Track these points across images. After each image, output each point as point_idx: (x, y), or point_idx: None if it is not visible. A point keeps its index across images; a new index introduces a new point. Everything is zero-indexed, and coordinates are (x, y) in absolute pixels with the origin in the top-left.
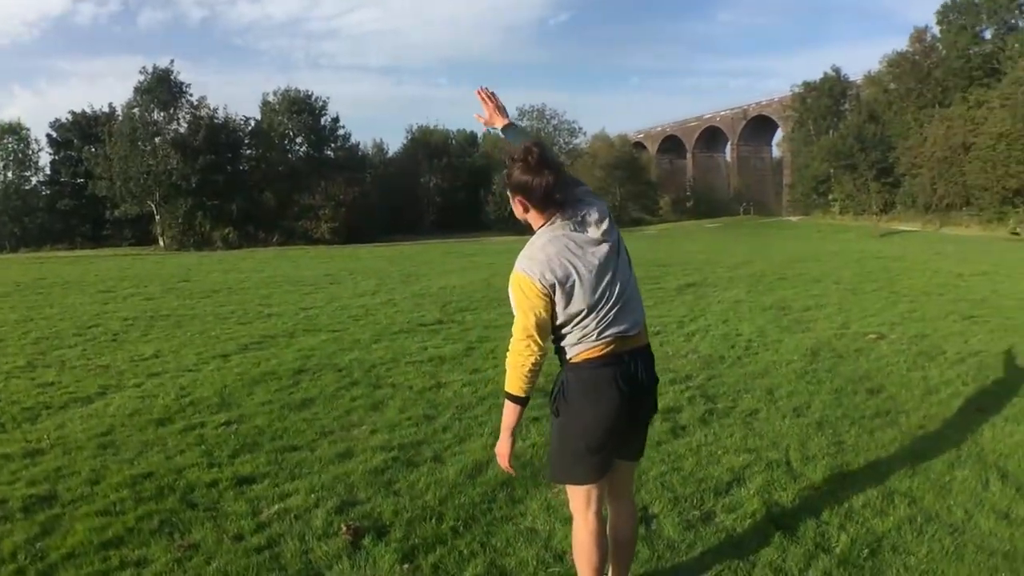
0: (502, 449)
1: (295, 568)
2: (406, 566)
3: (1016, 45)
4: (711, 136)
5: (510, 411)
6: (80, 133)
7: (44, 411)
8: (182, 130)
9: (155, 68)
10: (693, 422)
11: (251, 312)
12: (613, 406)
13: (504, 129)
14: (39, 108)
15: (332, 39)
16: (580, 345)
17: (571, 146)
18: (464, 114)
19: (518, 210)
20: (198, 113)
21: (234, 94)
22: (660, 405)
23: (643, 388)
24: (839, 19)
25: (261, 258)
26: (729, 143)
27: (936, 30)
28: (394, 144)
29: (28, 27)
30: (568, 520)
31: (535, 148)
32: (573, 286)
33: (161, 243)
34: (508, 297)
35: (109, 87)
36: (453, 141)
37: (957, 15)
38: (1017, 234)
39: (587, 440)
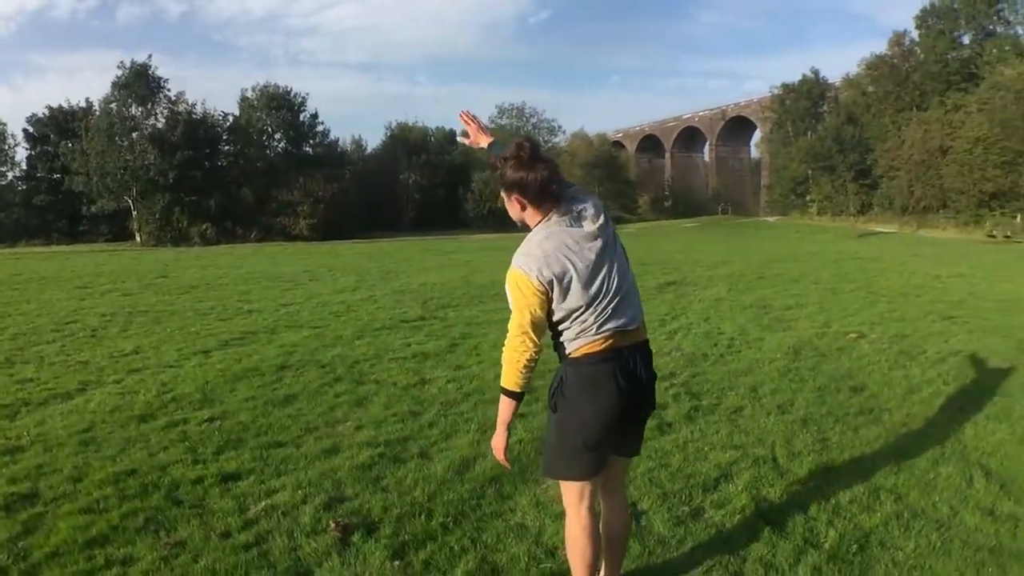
0: (498, 443)
1: (284, 565)
2: (396, 563)
3: (994, 50)
4: (690, 136)
5: (506, 406)
6: (57, 128)
7: (23, 407)
8: (160, 125)
9: (133, 63)
10: (679, 419)
11: (231, 308)
12: (612, 402)
13: (489, 147)
14: (15, 103)
15: (312, 35)
16: (579, 340)
17: (550, 144)
18: (443, 111)
19: (515, 210)
20: (176, 108)
21: (213, 90)
22: None
23: (642, 385)
24: (819, 22)
25: (239, 254)
26: (708, 143)
27: (915, 34)
28: (373, 141)
29: (5, 21)
30: (558, 516)
31: (526, 143)
32: (571, 281)
33: (138, 239)
34: (489, 295)
35: (87, 82)
36: (432, 138)
37: (936, 20)
38: (993, 237)
39: (585, 437)
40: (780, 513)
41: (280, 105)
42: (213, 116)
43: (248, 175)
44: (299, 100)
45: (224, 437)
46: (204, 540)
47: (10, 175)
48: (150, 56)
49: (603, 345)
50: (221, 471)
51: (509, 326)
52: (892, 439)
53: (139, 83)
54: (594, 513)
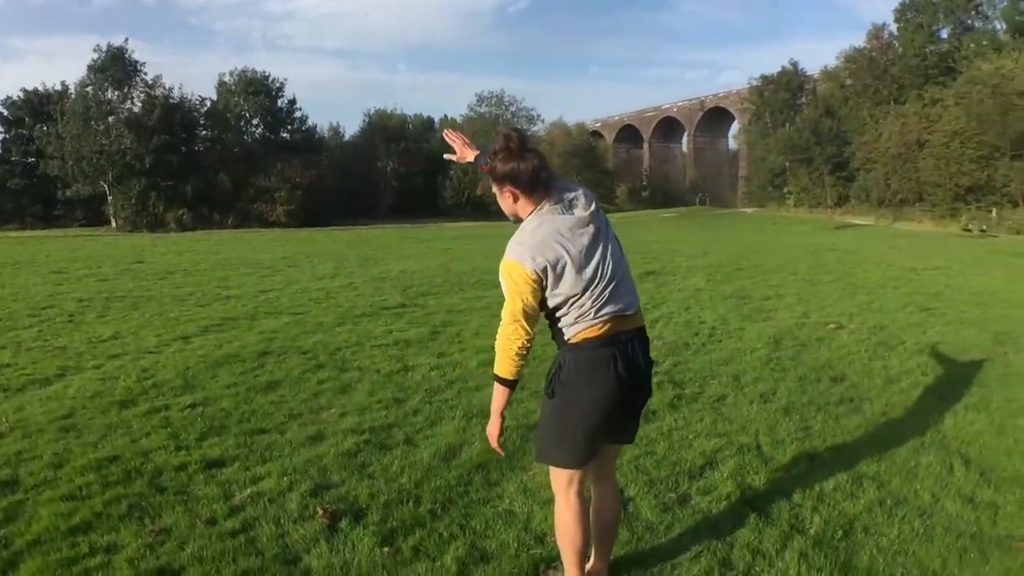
0: (492, 430)
1: (272, 552)
2: (386, 549)
3: (972, 45)
4: (668, 127)
5: (499, 393)
6: (32, 111)
7: (1, 393)
8: (136, 109)
9: (109, 46)
10: (663, 407)
11: (209, 294)
12: (611, 387)
13: (476, 159)
14: None
15: (289, 20)
16: (578, 325)
17: (529, 133)
18: (422, 99)
19: (507, 202)
20: (153, 92)
21: (190, 75)
22: None
23: (640, 371)
24: (798, 14)
25: (216, 240)
26: (686, 134)
27: (893, 28)
28: (351, 128)
29: None
30: (546, 503)
31: (513, 134)
32: (565, 267)
33: (113, 224)
34: (469, 283)
35: (63, 65)
36: (410, 126)
37: (914, 14)
38: (969, 231)
39: (584, 424)
40: (765, 500)
41: (258, 90)
42: (190, 100)
43: (225, 160)
44: (277, 86)
45: (207, 423)
46: (189, 527)
47: None
48: (126, 40)
49: (602, 330)
50: (205, 458)
51: (502, 314)
52: (873, 428)
53: (115, 67)
54: (583, 499)
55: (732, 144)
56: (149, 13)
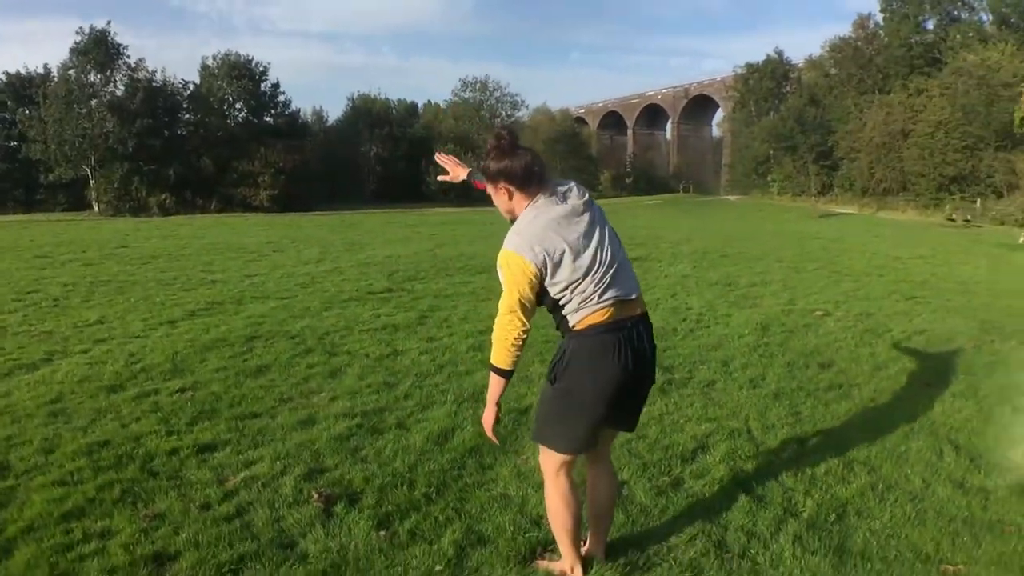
0: (488, 419)
1: (268, 536)
2: (382, 533)
3: (958, 36)
4: (652, 114)
5: (495, 383)
6: (13, 95)
7: None
8: (119, 93)
9: (92, 29)
10: (653, 391)
11: (194, 279)
12: (616, 374)
13: (469, 176)
14: None
15: (273, 3)
16: (582, 310)
17: (513, 118)
18: (406, 84)
19: (502, 199)
20: (136, 76)
21: (173, 59)
22: None
23: (646, 360)
24: (783, 3)
25: (200, 225)
26: (670, 121)
27: (879, 17)
28: (334, 112)
29: None
30: (540, 486)
31: (504, 132)
32: (563, 255)
33: (96, 208)
34: (455, 268)
35: (44, 49)
36: (394, 111)
37: (900, 4)
38: (953, 220)
39: (586, 412)
40: (758, 484)
41: (241, 74)
42: (173, 84)
43: (208, 144)
44: (260, 69)
45: (197, 408)
46: (183, 512)
47: None
48: (109, 22)
49: (606, 315)
50: (196, 442)
51: (499, 306)
52: (862, 414)
53: (98, 50)
54: (573, 481)
55: (716, 132)
56: None
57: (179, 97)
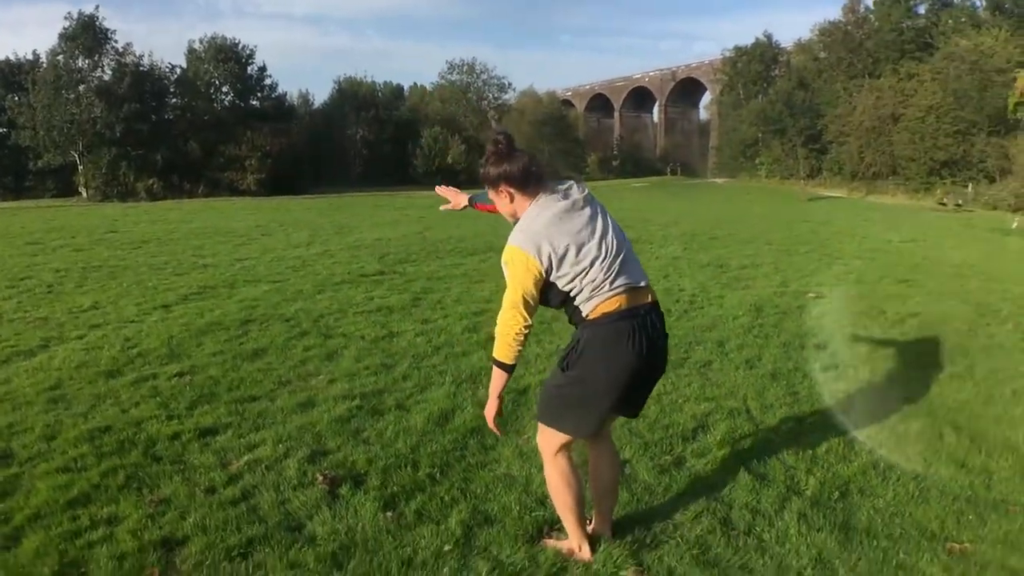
0: (490, 412)
1: (275, 519)
2: (388, 514)
3: (950, 21)
4: (639, 96)
5: (498, 377)
6: (3, 81)
7: None
8: (106, 78)
9: (80, 14)
10: None
11: (185, 263)
12: (630, 362)
13: (471, 201)
14: None
15: None
16: (594, 299)
17: (500, 101)
18: (392, 67)
19: (504, 203)
20: (123, 60)
21: (161, 43)
22: None
23: (659, 347)
24: None
25: (188, 209)
26: (657, 104)
27: (870, 1)
28: (321, 95)
29: None
30: (543, 467)
31: (500, 137)
32: (567, 248)
33: (84, 194)
34: (446, 250)
35: (34, 35)
36: (380, 94)
37: None
38: (944, 205)
39: (601, 400)
40: (759, 462)
41: (228, 57)
42: (160, 68)
43: (195, 128)
44: (247, 53)
45: (196, 392)
46: (189, 496)
47: None
48: (97, 7)
49: (619, 303)
50: (197, 426)
51: (503, 301)
52: (860, 394)
53: (86, 35)
54: (572, 459)
55: (703, 115)
56: None
57: (166, 81)
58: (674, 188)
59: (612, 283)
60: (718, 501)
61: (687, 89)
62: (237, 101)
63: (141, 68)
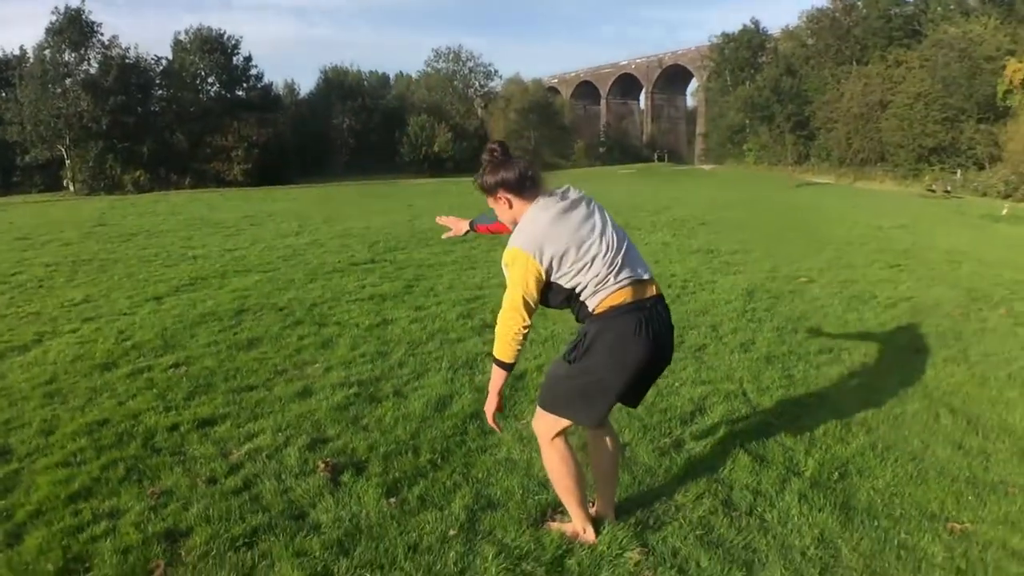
0: (490, 407)
1: (278, 508)
2: (392, 500)
3: (939, 8)
4: (626, 83)
5: (497, 375)
6: None
7: None
8: (93, 71)
9: (67, 8)
10: None
11: (175, 255)
12: (641, 351)
13: (471, 226)
14: None
15: None
16: (600, 293)
17: (486, 89)
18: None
19: (503, 210)
20: (109, 53)
21: (145, 36)
22: None
23: (667, 339)
24: None
25: (175, 201)
26: (644, 91)
27: None
28: (307, 85)
29: None
30: None
31: (494, 146)
32: (567, 247)
33: (71, 188)
34: (435, 238)
35: (21, 31)
36: (366, 82)
37: None
38: (933, 191)
39: (610, 391)
40: (758, 444)
41: (213, 48)
42: (146, 60)
43: (181, 120)
44: (233, 43)
45: (193, 383)
46: (190, 487)
47: None
48: (83, 1)
49: (625, 296)
50: (196, 417)
51: (503, 301)
52: (855, 377)
53: (72, 28)
54: (569, 442)
55: (690, 102)
56: None
57: (152, 73)
58: (662, 175)
59: (616, 276)
60: (719, 482)
61: (674, 76)
62: (223, 92)
63: (127, 61)
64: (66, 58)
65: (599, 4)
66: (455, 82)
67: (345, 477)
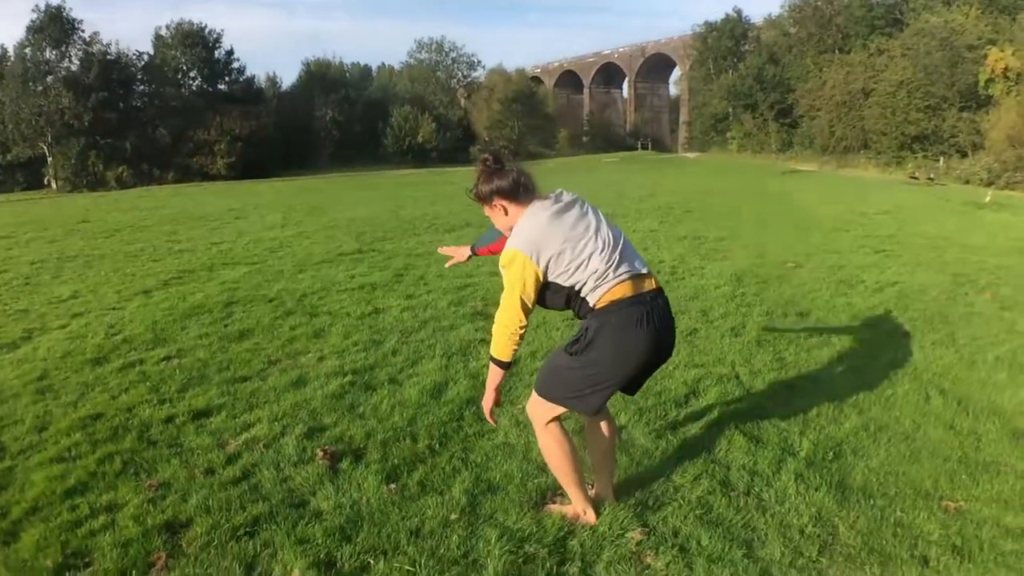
0: (487, 403)
1: (278, 497)
2: (392, 486)
3: None
4: (609, 73)
5: (495, 373)
6: None
7: None
8: (74, 68)
9: (48, 6)
10: None
11: (161, 249)
12: (642, 345)
13: (472, 249)
14: None
15: None
16: (600, 288)
17: (469, 79)
18: (361, 47)
19: (500, 217)
20: (90, 50)
21: (126, 32)
22: None
23: (668, 332)
24: None
25: (159, 196)
26: (627, 80)
27: None
28: (289, 78)
29: None
30: None
31: (487, 156)
32: (563, 246)
33: (53, 186)
34: (422, 228)
35: (2, 29)
36: (349, 74)
37: None
38: (916, 179)
39: (610, 383)
40: (753, 425)
41: (195, 42)
42: (127, 56)
43: (164, 115)
44: (214, 37)
45: (186, 375)
46: (189, 479)
47: None
48: None
49: (625, 291)
50: (190, 409)
51: (501, 301)
52: (845, 360)
53: (53, 26)
54: (563, 425)
55: (673, 90)
56: None
57: (133, 69)
58: (646, 162)
59: (616, 271)
60: (716, 463)
61: (657, 65)
62: (205, 86)
63: (108, 57)
64: (47, 56)
65: None
66: (438, 73)
67: (344, 464)
